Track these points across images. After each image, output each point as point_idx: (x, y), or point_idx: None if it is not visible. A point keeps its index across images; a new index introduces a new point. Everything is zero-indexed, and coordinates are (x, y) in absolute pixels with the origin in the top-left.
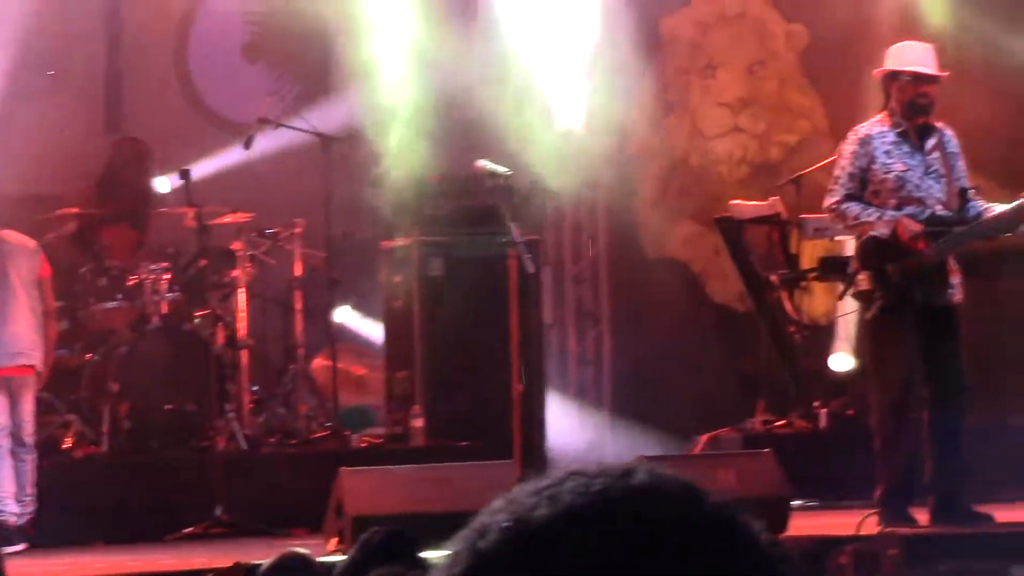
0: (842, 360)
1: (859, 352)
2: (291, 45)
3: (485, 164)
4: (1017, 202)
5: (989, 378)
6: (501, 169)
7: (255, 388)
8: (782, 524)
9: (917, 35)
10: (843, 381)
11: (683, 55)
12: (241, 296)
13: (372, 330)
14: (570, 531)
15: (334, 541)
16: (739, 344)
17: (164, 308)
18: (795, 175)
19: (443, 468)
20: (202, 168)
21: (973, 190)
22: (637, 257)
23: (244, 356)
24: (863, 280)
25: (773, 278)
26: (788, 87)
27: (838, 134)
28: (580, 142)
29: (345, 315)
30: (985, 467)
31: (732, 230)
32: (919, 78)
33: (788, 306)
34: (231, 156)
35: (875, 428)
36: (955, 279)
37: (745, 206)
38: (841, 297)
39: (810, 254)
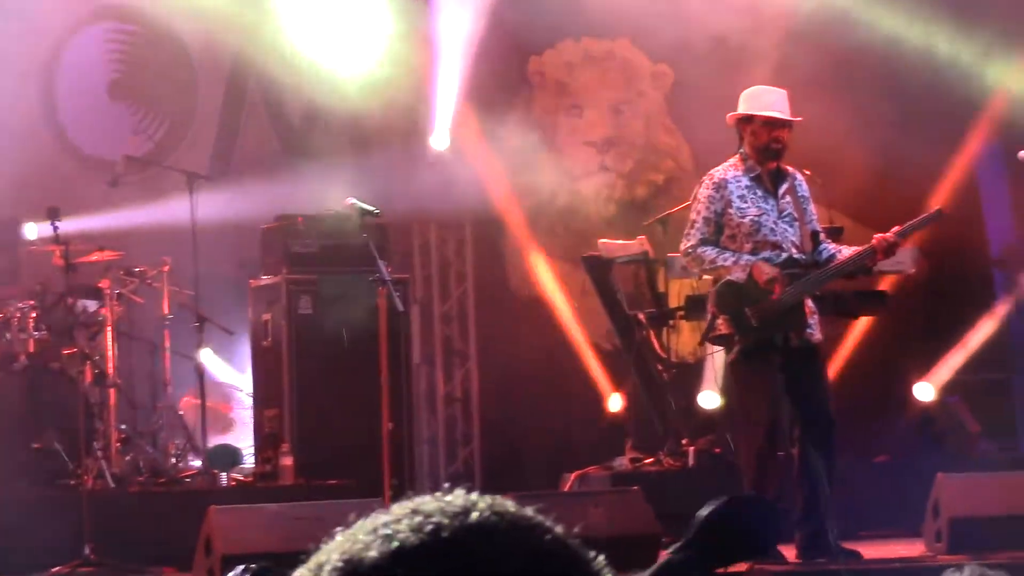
0: (710, 398)
1: (725, 390)
2: (156, 84)
3: (354, 202)
4: (867, 245)
5: (854, 415)
6: (370, 207)
7: (123, 427)
8: (652, 562)
9: (781, 79)
10: (711, 419)
11: (550, 95)
12: (108, 334)
13: (233, 375)
14: (399, 570)
15: None
16: (607, 382)
17: (31, 346)
18: (662, 214)
19: (312, 506)
20: (70, 206)
21: (824, 233)
22: (505, 296)
23: (112, 394)
24: (722, 324)
25: (641, 316)
26: (654, 127)
27: (704, 173)
28: (448, 180)
29: (207, 358)
30: (851, 504)
31: (599, 269)
32: (772, 123)
33: (656, 344)
34: (99, 194)
35: (742, 468)
36: (813, 319)
37: (613, 245)
38: (702, 342)
39: (677, 292)
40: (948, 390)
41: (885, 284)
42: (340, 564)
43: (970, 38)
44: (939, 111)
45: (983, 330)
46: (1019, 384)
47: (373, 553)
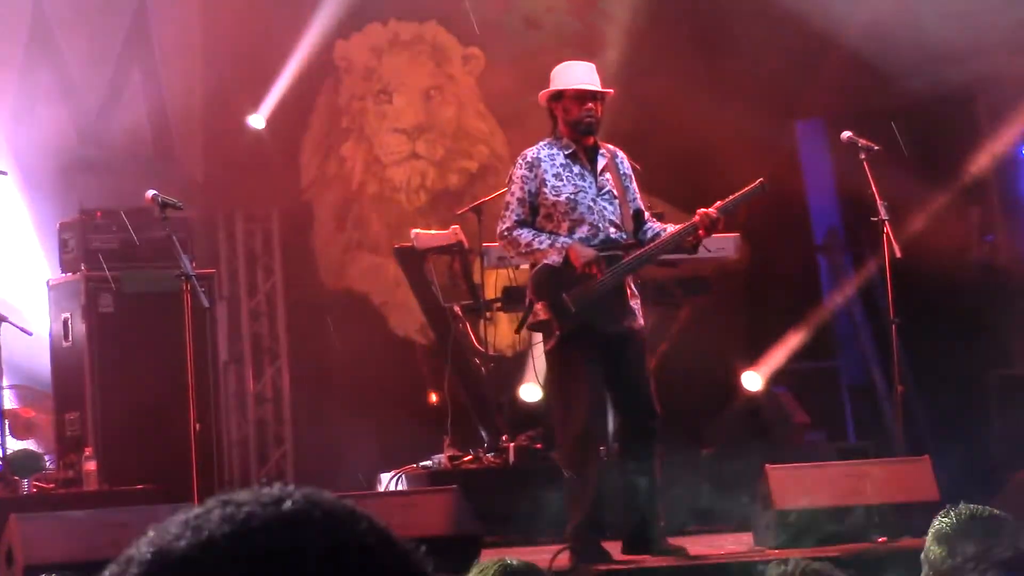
0: (531, 391)
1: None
2: None
3: (156, 194)
4: (689, 222)
5: (680, 406)
6: (172, 200)
7: None
8: (473, 562)
9: (593, 56)
10: (532, 413)
11: (357, 81)
12: None
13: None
14: (209, 560)
15: None
16: (423, 378)
17: None
18: (476, 202)
19: (118, 512)
20: None
21: (649, 212)
22: (315, 290)
23: None
24: (540, 310)
25: (456, 309)
26: (466, 112)
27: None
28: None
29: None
30: (678, 497)
31: (412, 260)
32: (583, 95)
33: (472, 337)
34: None
35: (562, 461)
36: (635, 303)
37: (425, 235)
38: (519, 330)
39: (494, 283)
40: (775, 379)
41: (707, 271)
42: (148, 557)
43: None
44: (763, 94)
45: (808, 317)
46: (844, 371)
47: (182, 544)
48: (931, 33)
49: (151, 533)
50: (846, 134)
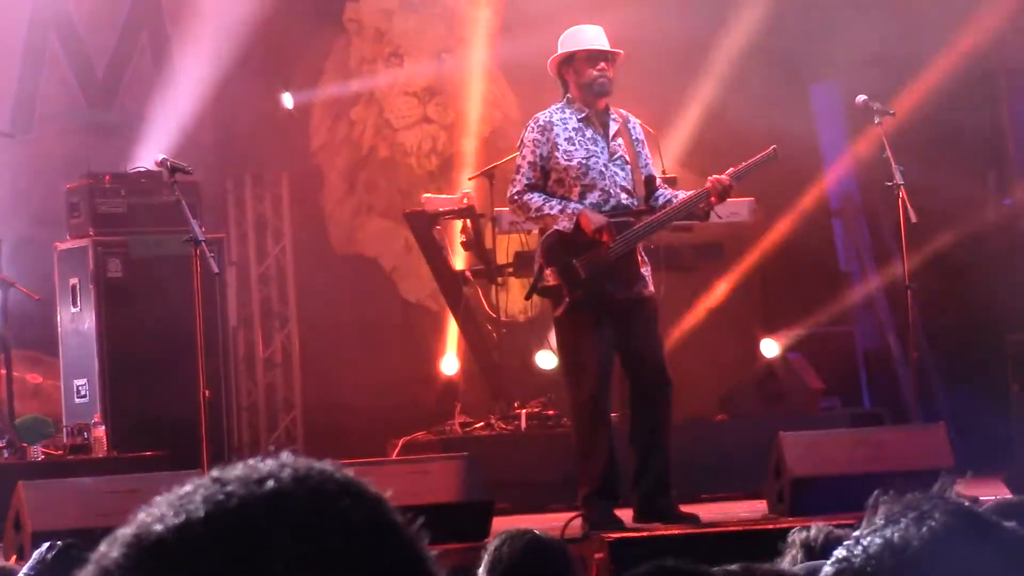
0: (546, 358)
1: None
2: None
3: (165, 158)
4: (701, 189)
5: (695, 373)
6: (182, 164)
7: None
8: (484, 529)
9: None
10: (545, 380)
11: (367, 43)
12: None
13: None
14: (183, 543)
15: (13, 558)
16: (434, 344)
17: None
18: (488, 167)
19: (127, 479)
20: None
21: (660, 178)
22: (325, 255)
23: None
24: (550, 276)
25: (467, 274)
26: (479, 75)
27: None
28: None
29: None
30: (690, 465)
31: (423, 224)
32: (594, 56)
33: (484, 303)
34: None
35: (572, 428)
36: (646, 270)
37: (436, 199)
38: (528, 296)
39: (505, 248)
40: (791, 346)
41: (721, 235)
42: (130, 538)
43: None
44: (777, 57)
45: (823, 282)
46: (860, 337)
47: (159, 527)
48: None
49: (141, 513)
50: (861, 98)
